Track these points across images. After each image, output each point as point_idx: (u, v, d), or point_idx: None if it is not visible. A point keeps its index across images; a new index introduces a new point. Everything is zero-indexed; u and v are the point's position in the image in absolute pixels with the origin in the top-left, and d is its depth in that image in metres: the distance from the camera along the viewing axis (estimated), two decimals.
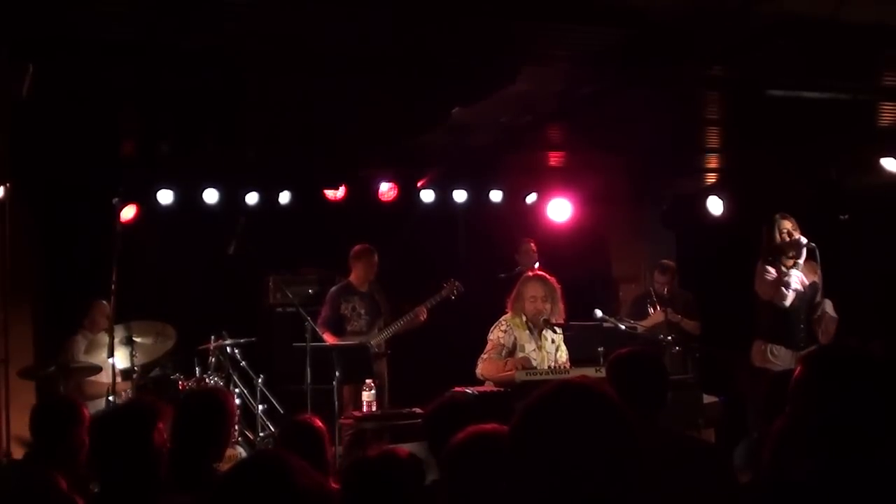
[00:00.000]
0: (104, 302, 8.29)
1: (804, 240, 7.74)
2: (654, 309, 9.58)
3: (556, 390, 2.20)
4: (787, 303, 7.75)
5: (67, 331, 8.87)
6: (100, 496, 3.92)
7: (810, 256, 7.81)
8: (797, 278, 7.76)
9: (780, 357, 7.81)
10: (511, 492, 2.18)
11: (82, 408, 4.81)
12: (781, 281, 7.74)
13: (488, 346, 7.46)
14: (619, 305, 10.85)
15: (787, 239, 7.79)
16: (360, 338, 9.05)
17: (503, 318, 7.54)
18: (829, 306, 7.89)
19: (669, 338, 8.75)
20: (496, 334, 7.46)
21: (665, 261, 10.12)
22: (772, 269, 7.82)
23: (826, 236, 8.06)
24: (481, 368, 7.45)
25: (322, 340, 8.78)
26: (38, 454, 4.70)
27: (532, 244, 10.42)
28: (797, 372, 2.77)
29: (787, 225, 7.83)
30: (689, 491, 3.71)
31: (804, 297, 7.86)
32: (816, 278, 7.91)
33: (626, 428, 2.17)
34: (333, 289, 9.40)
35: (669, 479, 3.53)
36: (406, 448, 3.91)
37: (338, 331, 9.15)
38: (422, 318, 9.29)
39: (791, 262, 7.78)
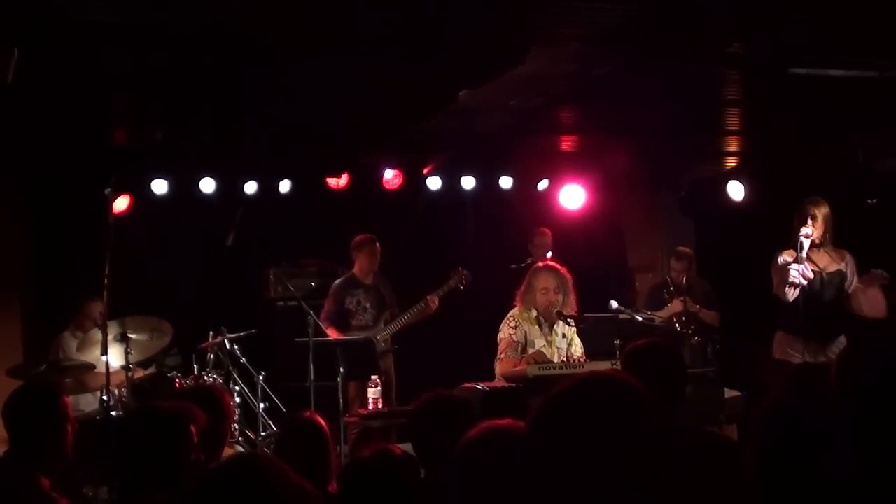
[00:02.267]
0: (95, 302, 8.10)
1: (805, 231, 7.45)
2: (671, 299, 9.42)
3: (581, 382, 2.18)
4: (790, 299, 7.50)
5: (58, 328, 8.71)
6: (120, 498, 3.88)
7: (817, 245, 7.56)
8: (798, 273, 7.45)
9: (798, 349, 7.56)
10: (528, 488, 2.14)
11: (62, 395, 4.50)
12: (782, 277, 7.51)
13: (502, 346, 7.36)
14: (635, 296, 10.73)
15: (807, 226, 7.50)
16: (365, 332, 8.93)
17: (510, 313, 7.44)
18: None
19: (689, 329, 8.56)
20: (506, 332, 7.36)
21: (681, 248, 9.99)
22: (779, 262, 7.61)
23: (853, 221, 7.87)
24: (500, 369, 7.35)
25: (325, 336, 8.58)
26: (17, 451, 4.38)
27: (548, 233, 10.22)
28: (833, 368, 2.72)
29: (808, 211, 7.54)
30: (710, 490, 3.61)
31: (830, 286, 7.62)
32: (842, 266, 7.67)
33: (652, 424, 2.15)
34: (337, 282, 9.29)
35: (689, 477, 3.38)
36: (400, 447, 3.92)
37: (342, 326, 9.02)
38: (433, 307, 9.18)
39: (794, 256, 7.50)
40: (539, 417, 2.17)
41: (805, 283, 7.48)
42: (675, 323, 8.99)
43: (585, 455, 2.08)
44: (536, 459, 2.14)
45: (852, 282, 7.65)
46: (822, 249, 7.62)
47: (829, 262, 7.64)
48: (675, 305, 9.28)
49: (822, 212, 7.55)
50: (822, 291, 7.59)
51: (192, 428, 3.79)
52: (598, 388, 2.16)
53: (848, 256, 7.70)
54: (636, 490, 2.07)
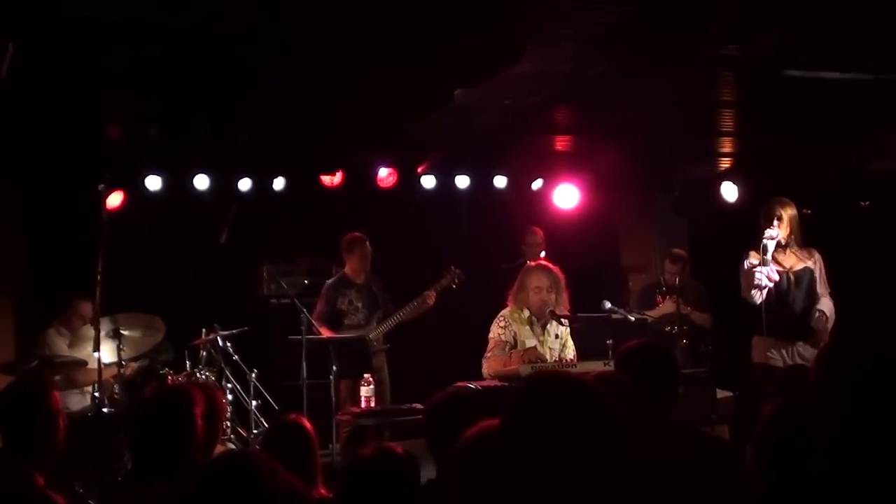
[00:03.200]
0: (86, 301, 8.06)
1: (769, 232, 7.44)
2: (663, 299, 9.42)
3: (529, 384, 2.24)
4: (757, 301, 7.47)
5: (50, 324, 8.66)
6: (131, 477, 3.94)
7: (783, 245, 7.53)
8: (763, 275, 7.41)
9: (776, 350, 7.54)
10: (507, 489, 2.18)
11: (51, 389, 4.49)
12: (748, 280, 7.48)
13: (490, 345, 7.37)
14: (628, 296, 10.71)
15: (771, 227, 7.46)
16: (358, 332, 8.90)
17: (501, 313, 7.44)
18: (825, 304, 7.57)
19: (680, 329, 8.53)
20: (495, 331, 7.37)
21: (676, 250, 9.99)
22: (745, 265, 7.58)
23: (846, 224, 7.82)
24: (487, 368, 7.34)
25: (318, 334, 8.54)
26: (9, 448, 4.37)
27: (539, 232, 10.19)
28: (813, 368, 2.74)
29: (773, 211, 7.50)
30: (701, 490, 3.61)
31: (798, 285, 7.57)
32: (810, 263, 7.60)
33: (607, 418, 2.16)
34: (328, 283, 9.27)
35: (681, 476, 3.50)
36: (400, 446, 3.90)
37: (334, 326, 9.00)
38: (430, 302, 9.16)
39: (759, 259, 7.47)
40: (503, 423, 2.24)
41: (771, 284, 7.45)
42: (665, 323, 8.98)
43: (546, 454, 2.12)
44: (508, 462, 2.18)
45: (821, 280, 7.61)
46: (788, 249, 7.56)
47: (795, 261, 7.59)
48: (667, 306, 9.29)
49: (787, 212, 7.51)
50: (789, 291, 7.54)
51: (196, 410, 3.84)
52: (544, 389, 2.20)
53: (816, 255, 7.64)
54: (607, 483, 2.10)
